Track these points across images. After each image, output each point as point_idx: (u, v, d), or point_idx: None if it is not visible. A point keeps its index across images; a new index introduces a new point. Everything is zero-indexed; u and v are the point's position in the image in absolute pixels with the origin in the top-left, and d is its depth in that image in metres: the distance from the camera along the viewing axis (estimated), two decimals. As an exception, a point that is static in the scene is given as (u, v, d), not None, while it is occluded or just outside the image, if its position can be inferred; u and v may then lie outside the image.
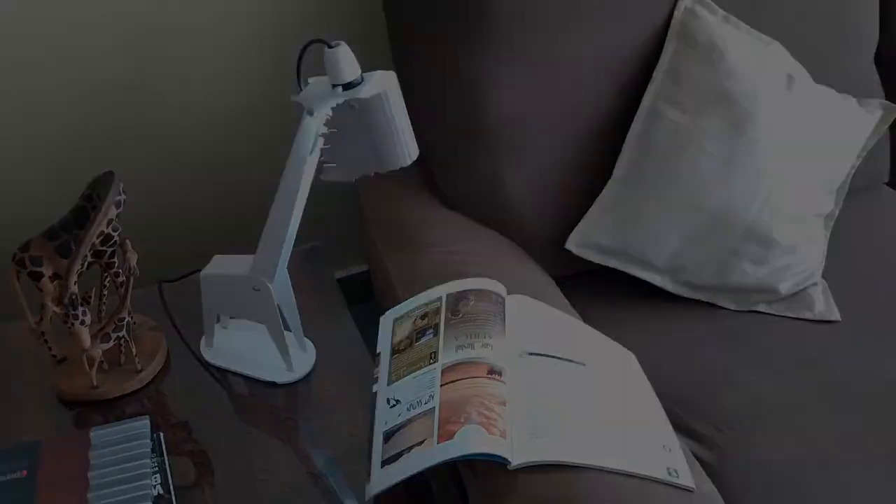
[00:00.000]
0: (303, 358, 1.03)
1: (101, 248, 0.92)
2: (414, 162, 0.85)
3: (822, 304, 1.09)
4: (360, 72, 0.75)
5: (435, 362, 0.88)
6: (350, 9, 1.28)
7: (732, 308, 1.10)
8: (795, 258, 1.10)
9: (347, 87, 0.74)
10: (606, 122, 1.10)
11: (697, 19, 1.10)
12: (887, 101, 1.19)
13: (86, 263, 0.90)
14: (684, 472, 0.80)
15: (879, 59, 1.29)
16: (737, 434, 0.93)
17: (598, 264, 1.11)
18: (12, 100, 1.19)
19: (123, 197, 0.88)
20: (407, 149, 0.77)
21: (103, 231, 0.87)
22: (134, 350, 0.98)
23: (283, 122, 1.27)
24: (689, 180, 1.06)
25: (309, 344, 1.04)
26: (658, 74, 1.10)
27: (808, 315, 1.08)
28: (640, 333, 1.03)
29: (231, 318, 1.07)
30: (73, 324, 0.89)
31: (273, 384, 1.01)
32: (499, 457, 0.77)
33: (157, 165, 1.33)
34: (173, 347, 1.06)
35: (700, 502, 0.78)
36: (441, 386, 0.85)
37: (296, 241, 0.92)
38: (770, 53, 1.11)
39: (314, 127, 0.75)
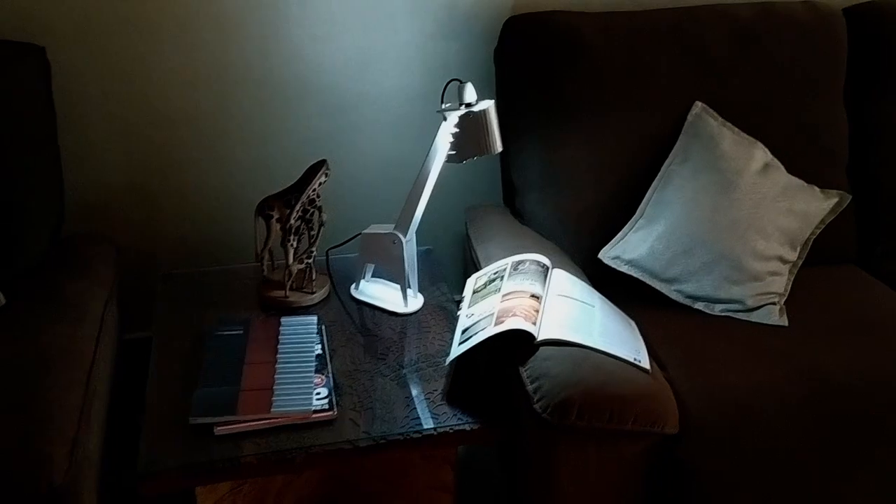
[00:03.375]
0: (415, 302, 1.57)
1: (307, 207, 1.52)
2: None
3: (776, 316, 1.54)
4: (476, 97, 1.34)
5: (498, 293, 1.41)
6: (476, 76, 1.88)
7: (710, 313, 1.57)
8: (762, 284, 1.57)
9: (468, 105, 1.33)
10: (634, 179, 1.65)
11: (702, 121, 1.65)
12: (843, 192, 1.68)
13: (300, 211, 1.49)
14: (645, 363, 1.28)
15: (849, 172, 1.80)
16: (694, 371, 1.38)
17: (621, 272, 1.61)
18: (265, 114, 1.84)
19: (329, 173, 1.49)
20: (497, 143, 1.34)
21: (315, 189, 1.47)
22: (314, 277, 1.56)
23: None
24: (685, 221, 1.58)
25: (420, 295, 1.59)
26: (673, 152, 1.65)
27: (765, 321, 1.53)
28: (642, 320, 1.51)
29: (373, 277, 1.64)
30: (286, 245, 1.48)
31: (394, 314, 1.55)
32: (530, 333, 1.28)
33: (358, 159, 1.90)
34: (332, 290, 1.63)
35: (650, 378, 1.24)
36: (500, 302, 1.37)
37: (417, 245, 1.48)
38: (753, 148, 1.64)
39: (447, 128, 1.34)
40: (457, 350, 1.35)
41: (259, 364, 1.38)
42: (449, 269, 1.99)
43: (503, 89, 1.74)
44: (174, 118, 1.75)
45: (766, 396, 1.32)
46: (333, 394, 1.32)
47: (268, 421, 1.26)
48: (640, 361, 1.27)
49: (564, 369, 1.22)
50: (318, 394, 1.32)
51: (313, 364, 1.38)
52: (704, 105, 1.67)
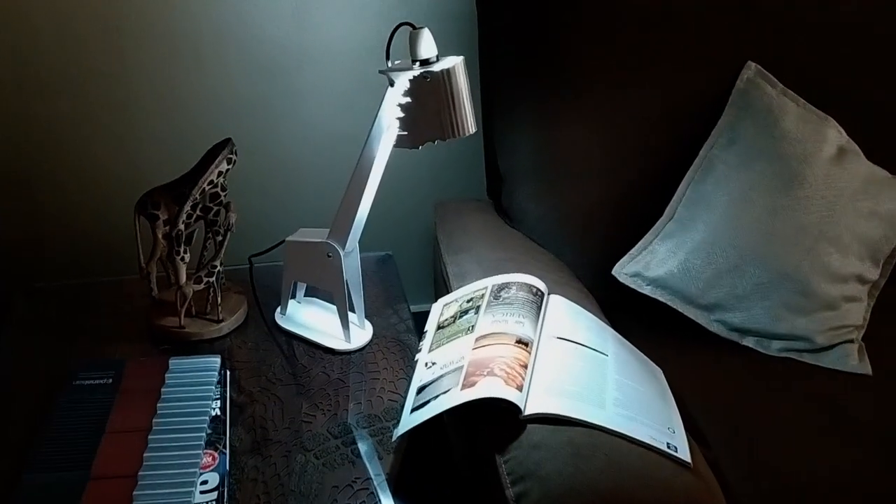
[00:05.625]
0: (361, 334, 1.15)
1: (208, 205, 1.09)
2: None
3: (856, 360, 1.12)
4: (436, 52, 0.91)
5: (471, 332, 0.99)
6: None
7: (763, 352, 1.15)
8: (836, 315, 1.15)
9: (424, 63, 0.90)
10: (661, 167, 1.22)
11: (757, 90, 1.22)
12: (941, 188, 1.25)
13: (196, 210, 1.07)
14: (683, 450, 0.86)
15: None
16: (745, 450, 0.97)
17: (642, 295, 1.19)
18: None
19: (235, 157, 1.06)
20: (467, 122, 0.91)
21: (213, 181, 1.04)
22: (220, 300, 1.14)
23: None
24: (732, 226, 1.15)
25: (368, 324, 1.17)
26: (716, 131, 1.22)
27: (840, 367, 1.12)
28: (671, 364, 1.09)
29: (305, 296, 1.22)
30: (175, 258, 1.05)
31: (331, 351, 1.14)
32: (512, 404, 0.86)
33: (297, 134, 1.49)
34: (253, 312, 1.21)
35: (692, 476, 0.83)
36: (473, 349, 0.95)
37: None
38: (824, 127, 1.21)
39: (395, 97, 0.91)
40: (408, 421, 0.93)
41: (125, 434, 0.96)
42: (416, 280, 1.57)
43: (487, 45, 1.30)
44: (54, 82, 1.33)
45: (848, 494, 0.91)
46: (226, 483, 0.91)
47: (120, 532, 0.85)
48: (675, 449, 0.85)
49: (562, 465, 0.80)
50: (203, 483, 0.90)
51: (203, 434, 0.96)
52: (759, 67, 1.24)
